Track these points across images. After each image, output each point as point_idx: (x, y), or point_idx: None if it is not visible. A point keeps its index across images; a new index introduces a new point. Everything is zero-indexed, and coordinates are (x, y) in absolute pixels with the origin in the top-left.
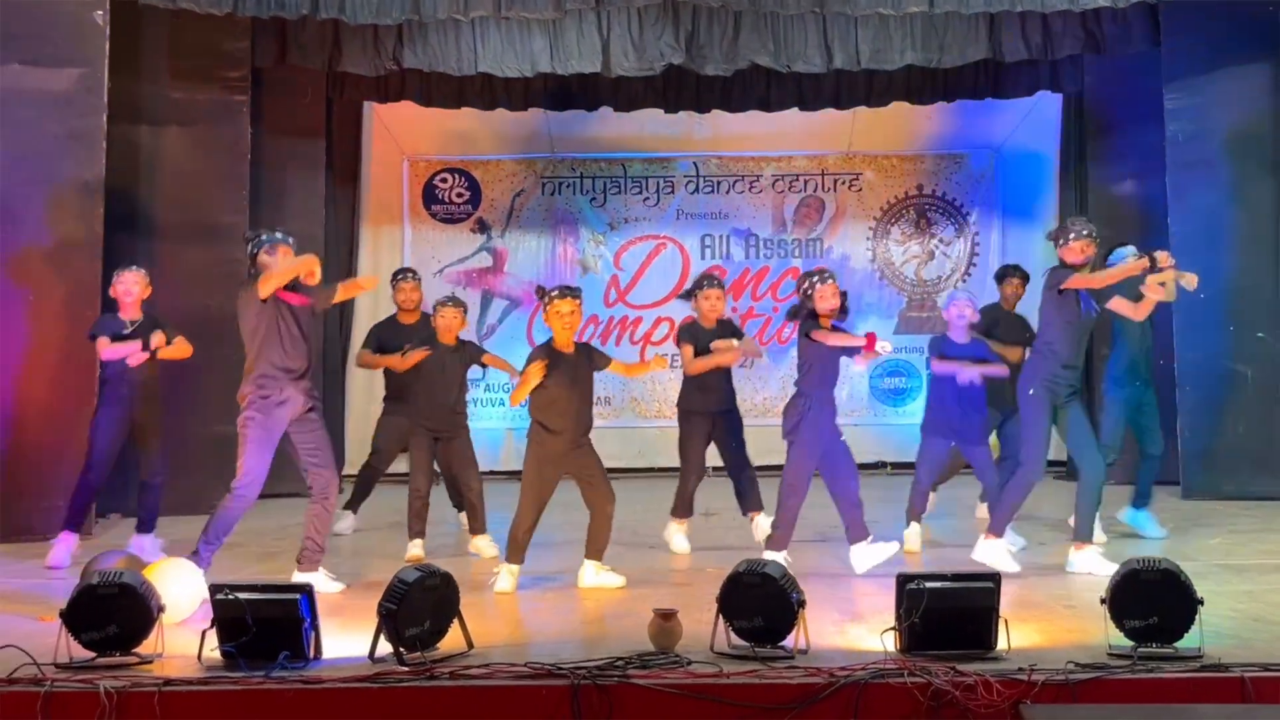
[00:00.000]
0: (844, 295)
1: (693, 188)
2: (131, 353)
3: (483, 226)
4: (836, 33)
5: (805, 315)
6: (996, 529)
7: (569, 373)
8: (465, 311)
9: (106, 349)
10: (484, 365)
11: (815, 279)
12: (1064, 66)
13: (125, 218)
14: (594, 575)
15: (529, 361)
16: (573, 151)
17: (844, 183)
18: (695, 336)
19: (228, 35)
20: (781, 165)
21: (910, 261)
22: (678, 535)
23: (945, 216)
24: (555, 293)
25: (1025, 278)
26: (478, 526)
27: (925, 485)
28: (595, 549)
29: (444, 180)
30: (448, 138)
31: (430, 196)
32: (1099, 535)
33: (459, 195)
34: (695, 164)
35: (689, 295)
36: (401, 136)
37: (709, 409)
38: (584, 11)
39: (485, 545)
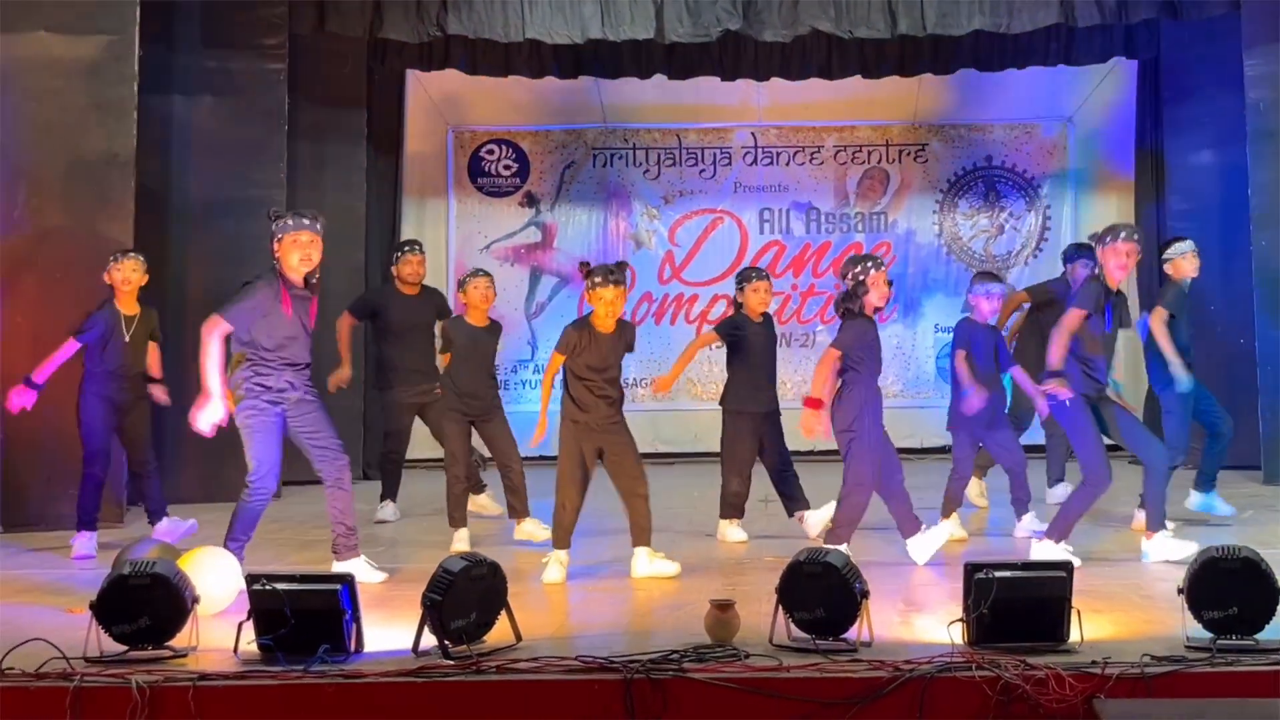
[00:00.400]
0: (890, 284)
1: (751, 159)
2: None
3: (531, 200)
4: None
5: (859, 307)
6: (1055, 534)
7: (601, 352)
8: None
9: (48, 365)
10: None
11: (870, 265)
12: (1139, 31)
13: (157, 191)
14: (647, 563)
15: (562, 337)
16: (625, 122)
17: (909, 154)
18: (738, 329)
19: (263, 1)
20: (844, 136)
21: (979, 236)
22: (731, 529)
23: (1015, 189)
24: (599, 279)
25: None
26: (521, 509)
27: (961, 483)
28: (641, 535)
29: (490, 152)
30: (494, 107)
31: (476, 169)
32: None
33: (506, 167)
34: (753, 134)
35: (738, 288)
36: (446, 106)
37: (759, 409)
38: None
39: (535, 529)
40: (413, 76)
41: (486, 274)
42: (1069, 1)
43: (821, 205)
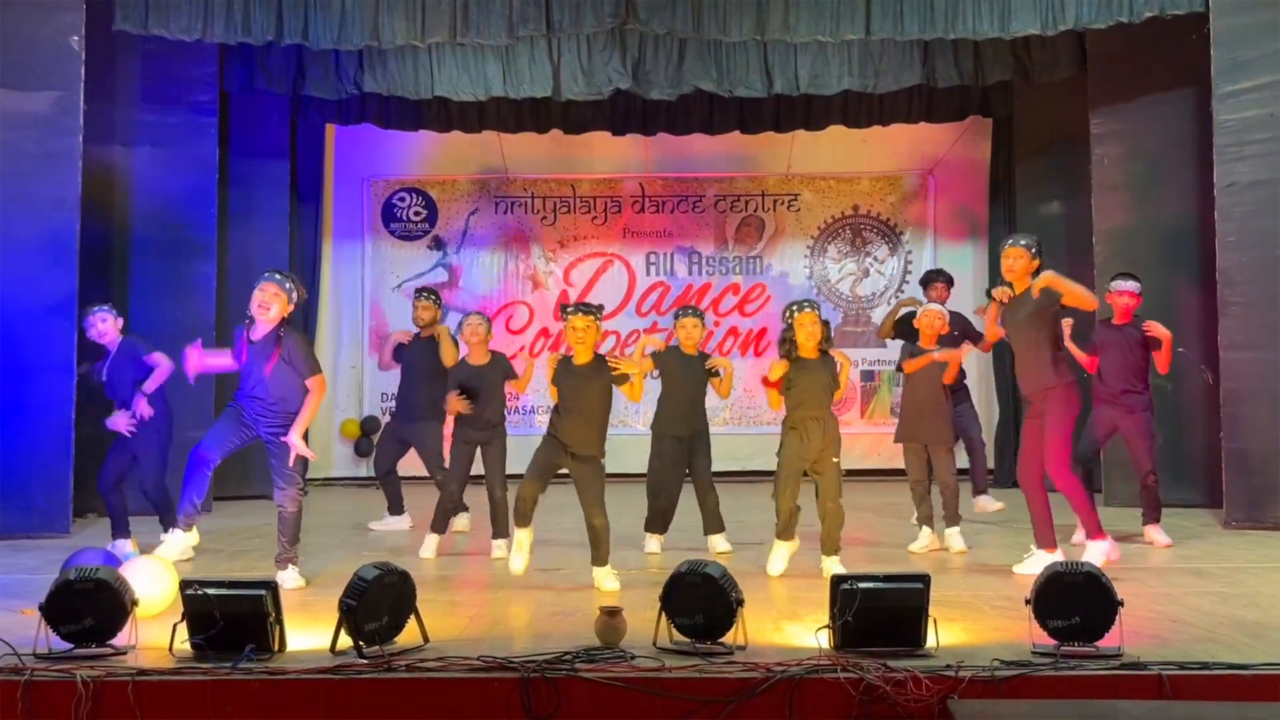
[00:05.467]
0: (825, 325)
1: (639, 207)
2: None
3: (439, 243)
4: (776, 59)
5: (789, 350)
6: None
7: (577, 384)
8: (490, 325)
9: None
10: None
11: (795, 308)
12: (994, 92)
13: (100, 233)
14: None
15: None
16: (524, 172)
17: (783, 203)
18: (666, 361)
19: (197, 60)
20: (723, 186)
21: (846, 278)
22: (650, 541)
23: (879, 235)
24: (571, 309)
25: (950, 282)
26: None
27: (923, 490)
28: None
29: (402, 199)
30: (406, 159)
31: (389, 215)
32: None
33: (416, 214)
34: (641, 184)
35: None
36: (362, 157)
37: (680, 432)
38: (535, 39)
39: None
40: (332, 130)
41: (481, 318)
42: (930, 64)
43: (703, 249)
